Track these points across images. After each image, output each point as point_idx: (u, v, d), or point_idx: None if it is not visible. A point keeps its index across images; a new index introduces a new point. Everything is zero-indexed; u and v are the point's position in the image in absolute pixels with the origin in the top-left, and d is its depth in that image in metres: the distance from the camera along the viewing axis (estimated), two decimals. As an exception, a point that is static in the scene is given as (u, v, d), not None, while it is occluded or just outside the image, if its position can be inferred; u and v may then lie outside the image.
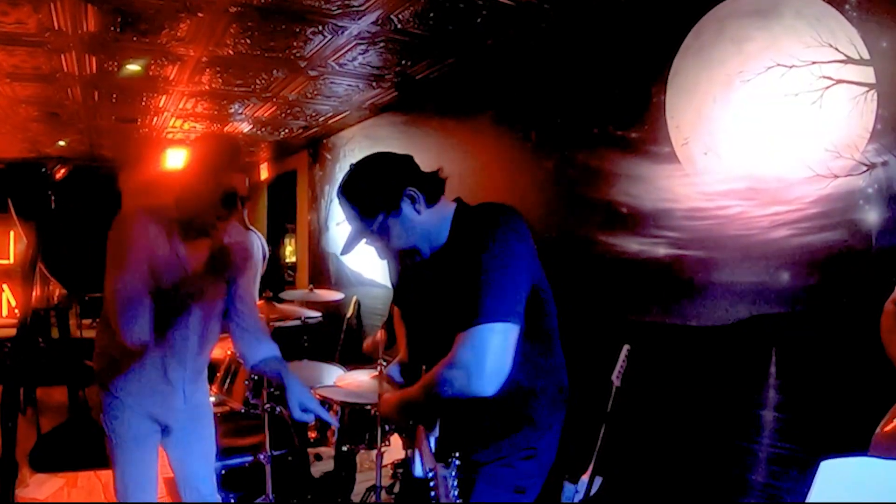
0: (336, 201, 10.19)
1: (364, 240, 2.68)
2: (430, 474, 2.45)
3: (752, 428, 3.79)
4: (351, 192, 2.63)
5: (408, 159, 2.71)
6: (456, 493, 2.39)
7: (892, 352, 2.71)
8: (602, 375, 4.29)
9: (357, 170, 2.67)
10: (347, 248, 2.71)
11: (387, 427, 4.68)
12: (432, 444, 2.63)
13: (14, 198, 7.50)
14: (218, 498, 3.79)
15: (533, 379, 2.63)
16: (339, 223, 10.19)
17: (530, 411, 2.66)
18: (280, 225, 14.43)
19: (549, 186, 5.45)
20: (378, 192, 2.60)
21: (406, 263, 2.89)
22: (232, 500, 4.89)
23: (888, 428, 2.69)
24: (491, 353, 2.33)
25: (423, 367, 2.78)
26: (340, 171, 10.23)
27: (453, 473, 2.43)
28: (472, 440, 2.62)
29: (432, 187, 2.67)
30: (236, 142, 3.50)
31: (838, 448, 2.79)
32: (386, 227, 2.61)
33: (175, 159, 11.55)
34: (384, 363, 4.62)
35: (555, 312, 2.71)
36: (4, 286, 10.90)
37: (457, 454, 2.47)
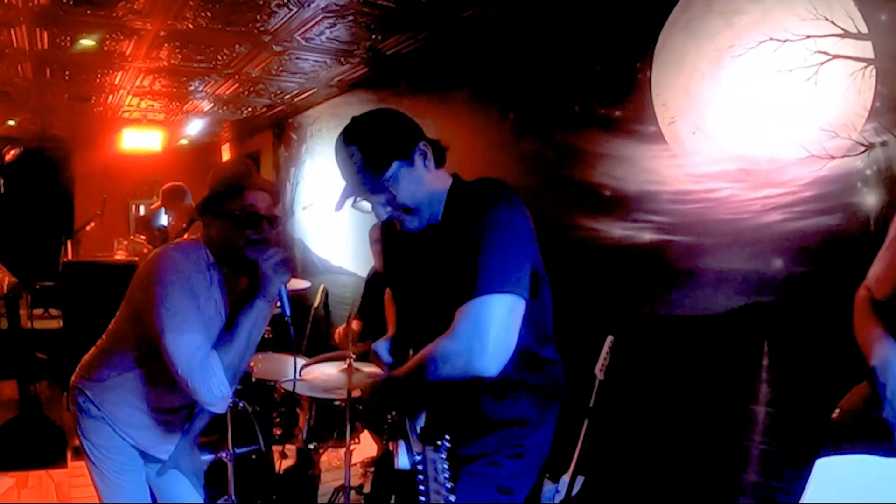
0: (302, 183, 10.11)
1: (362, 196, 2.61)
2: (419, 458, 2.37)
3: (744, 424, 3.76)
4: (360, 138, 2.54)
5: (411, 118, 2.67)
6: (447, 476, 2.33)
7: (862, 341, 2.70)
8: (584, 369, 4.27)
9: (365, 119, 2.61)
10: (341, 203, 2.65)
11: (357, 424, 4.64)
12: (417, 432, 2.58)
13: (-40, 181, 7.46)
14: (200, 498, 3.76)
15: (524, 372, 2.59)
16: (305, 207, 10.14)
17: (521, 406, 2.63)
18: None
19: (528, 168, 5.40)
20: (393, 138, 2.54)
21: (393, 241, 2.85)
22: (192, 501, 4.84)
23: (834, 415, 2.69)
24: (493, 328, 2.27)
25: (411, 351, 2.76)
26: (307, 152, 10.18)
27: (443, 456, 2.36)
28: (457, 435, 2.55)
29: (438, 149, 2.65)
30: (247, 161, 3.41)
31: (835, 446, 2.76)
32: (397, 178, 2.53)
33: (131, 140, 11.46)
34: (354, 356, 4.59)
35: (550, 303, 2.68)
36: (-49, 275, 10.79)
37: (447, 437, 2.40)
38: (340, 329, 5.40)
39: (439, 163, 2.64)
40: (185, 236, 8.33)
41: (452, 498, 2.26)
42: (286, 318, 3.15)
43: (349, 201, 2.67)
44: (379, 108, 2.70)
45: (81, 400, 3.32)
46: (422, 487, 2.28)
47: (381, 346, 3.08)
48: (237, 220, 3.04)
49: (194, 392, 2.88)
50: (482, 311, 2.28)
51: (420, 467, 2.34)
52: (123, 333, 3.23)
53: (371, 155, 2.52)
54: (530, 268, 2.44)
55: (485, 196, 2.49)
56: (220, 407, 2.98)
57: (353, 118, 2.61)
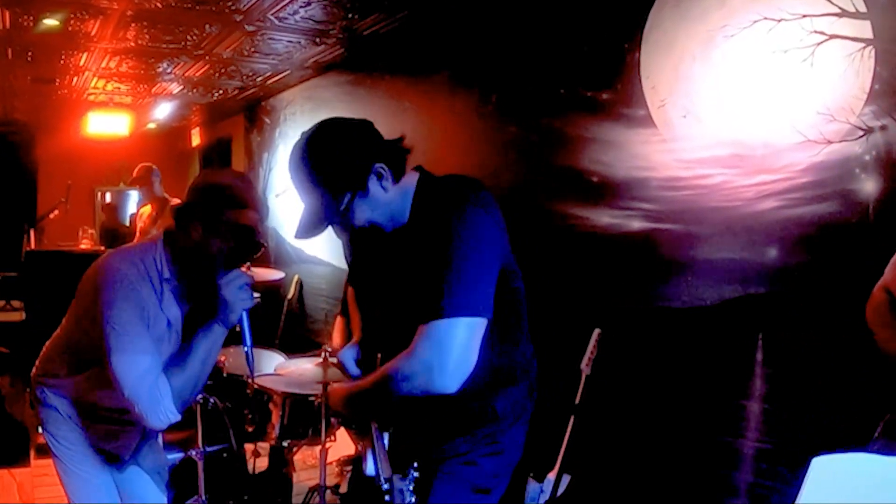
0: (275, 170, 10.08)
1: (323, 226, 2.58)
2: (386, 485, 2.40)
3: (737, 421, 3.74)
4: (314, 165, 2.52)
5: (368, 126, 2.62)
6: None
7: (886, 346, 2.67)
8: (570, 363, 4.25)
9: (315, 142, 2.56)
10: (304, 234, 2.61)
11: (333, 421, 4.60)
12: (386, 442, 2.58)
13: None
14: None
15: (498, 368, 2.59)
16: (278, 195, 10.11)
17: (495, 404, 2.63)
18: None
19: (511, 154, 5.38)
20: (344, 168, 2.50)
21: (361, 241, 2.82)
22: (160, 502, 4.81)
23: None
24: (455, 350, 2.31)
25: (379, 356, 2.75)
26: (280, 137, 10.17)
27: (410, 487, 2.39)
28: (430, 436, 2.60)
29: (398, 161, 2.60)
30: (248, 176, 3.29)
31: (831, 443, 2.74)
32: (351, 208, 2.53)
33: (97, 124, 11.39)
34: (329, 350, 4.55)
35: (524, 296, 2.69)
36: None
37: (415, 464, 2.43)
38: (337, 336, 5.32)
39: (399, 176, 2.60)
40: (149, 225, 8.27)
41: None
42: (245, 349, 3.06)
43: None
44: (330, 121, 2.64)
45: (39, 391, 3.30)
46: None
47: (347, 356, 3.04)
48: (231, 236, 2.91)
49: (140, 417, 2.81)
50: (444, 334, 2.32)
51: (387, 497, 2.39)
52: (75, 336, 3.16)
53: (324, 185, 2.52)
54: (497, 274, 2.46)
55: (451, 202, 2.48)
56: (166, 426, 2.91)
57: (304, 137, 2.58)
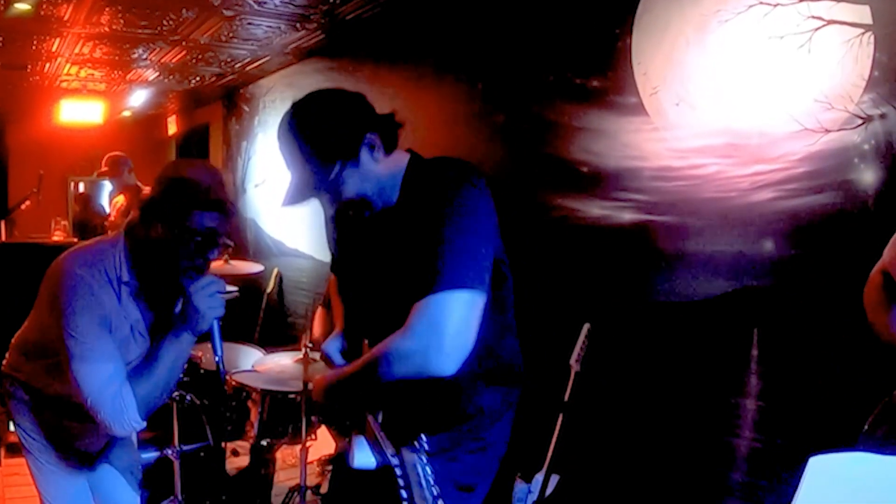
0: (254, 159, 10.04)
1: (312, 194, 2.56)
2: (396, 462, 2.34)
3: (731, 419, 3.74)
4: (304, 132, 2.50)
5: (360, 97, 2.62)
6: (431, 479, 2.30)
7: (881, 330, 2.65)
8: (559, 359, 4.24)
9: (307, 107, 2.56)
10: (291, 201, 2.58)
11: (313, 419, 4.58)
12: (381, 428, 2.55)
13: None
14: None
15: (484, 362, 2.57)
16: (257, 185, 10.07)
17: (480, 398, 2.63)
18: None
19: (498, 143, 5.36)
20: (336, 135, 2.49)
21: (345, 224, 2.79)
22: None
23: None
24: (452, 326, 2.26)
25: (366, 343, 2.72)
26: (259, 125, 10.10)
27: (424, 459, 2.33)
28: (411, 432, 2.52)
29: (390, 133, 2.60)
30: (219, 172, 3.15)
31: (829, 442, 2.73)
32: (341, 177, 2.50)
33: (70, 112, 11.33)
34: (310, 345, 4.52)
35: (512, 288, 2.68)
36: None
37: (423, 436, 2.37)
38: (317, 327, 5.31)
39: (390, 148, 2.61)
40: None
41: None
42: (216, 360, 3.02)
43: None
44: (323, 90, 2.65)
45: (9, 383, 3.30)
46: (404, 493, 2.25)
47: (332, 347, 3.00)
48: (192, 239, 2.83)
49: (104, 425, 2.78)
50: (440, 309, 2.27)
51: (398, 471, 2.32)
52: (37, 335, 3.15)
53: (314, 152, 2.49)
54: (492, 256, 2.44)
55: (445, 180, 2.47)
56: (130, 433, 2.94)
57: (295, 106, 2.56)
